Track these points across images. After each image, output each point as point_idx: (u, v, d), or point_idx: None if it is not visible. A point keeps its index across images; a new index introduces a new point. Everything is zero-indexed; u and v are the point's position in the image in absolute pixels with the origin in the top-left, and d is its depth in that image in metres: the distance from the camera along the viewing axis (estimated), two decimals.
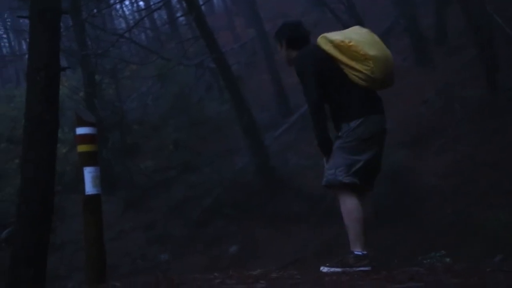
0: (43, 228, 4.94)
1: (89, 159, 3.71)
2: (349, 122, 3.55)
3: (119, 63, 16.47)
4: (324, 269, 3.51)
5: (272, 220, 12.05)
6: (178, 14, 21.33)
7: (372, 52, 3.51)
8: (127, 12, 29.83)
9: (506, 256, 6.97)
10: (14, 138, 16.86)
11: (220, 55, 12.74)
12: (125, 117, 16.19)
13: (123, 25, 26.76)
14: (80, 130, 3.72)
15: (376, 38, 3.65)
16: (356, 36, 3.60)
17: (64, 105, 13.88)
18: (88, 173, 3.67)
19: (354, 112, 3.55)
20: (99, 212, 3.72)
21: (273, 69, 16.88)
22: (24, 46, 28.61)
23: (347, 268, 3.41)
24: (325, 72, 3.59)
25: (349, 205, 3.51)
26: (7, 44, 34.08)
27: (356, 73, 3.54)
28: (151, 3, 23.43)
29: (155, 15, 23.66)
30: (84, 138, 3.72)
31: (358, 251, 3.46)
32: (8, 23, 30.83)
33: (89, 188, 3.67)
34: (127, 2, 28.94)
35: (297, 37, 3.84)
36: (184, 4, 16.22)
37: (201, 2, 16.44)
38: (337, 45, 3.57)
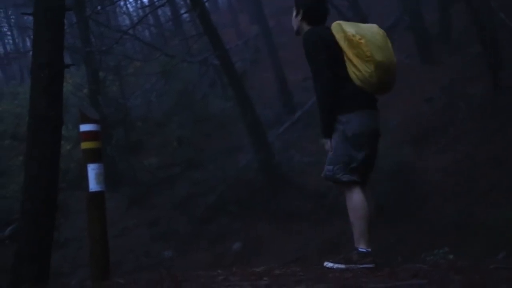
0: (47, 225, 4.95)
1: (93, 156, 3.71)
2: (344, 114, 3.52)
3: (123, 60, 16.50)
4: (328, 264, 3.51)
5: (276, 217, 12.07)
6: (182, 11, 21.34)
7: (378, 56, 3.46)
8: (131, 9, 29.89)
9: (509, 253, 6.95)
10: (18, 135, 16.88)
11: (224, 52, 12.74)
12: (129, 114, 16.21)
13: (127, 22, 26.83)
14: (84, 127, 3.72)
15: (388, 43, 3.59)
16: (369, 35, 3.53)
17: (68, 102, 13.93)
18: (92, 170, 3.67)
19: (349, 105, 3.52)
20: (103, 209, 3.72)
21: (277, 66, 16.86)
22: (28, 43, 28.69)
23: (351, 265, 3.42)
24: (330, 58, 3.55)
25: (355, 202, 3.50)
26: (11, 41, 34.15)
27: (355, 71, 3.51)
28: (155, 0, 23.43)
29: (159, 12, 23.68)
30: (88, 135, 3.72)
31: (362, 248, 3.46)
32: (12, 20, 30.89)
33: (93, 185, 3.67)
34: None
35: (316, 12, 3.76)
36: (188, 1, 16.27)
37: None
38: (348, 38, 3.52)
